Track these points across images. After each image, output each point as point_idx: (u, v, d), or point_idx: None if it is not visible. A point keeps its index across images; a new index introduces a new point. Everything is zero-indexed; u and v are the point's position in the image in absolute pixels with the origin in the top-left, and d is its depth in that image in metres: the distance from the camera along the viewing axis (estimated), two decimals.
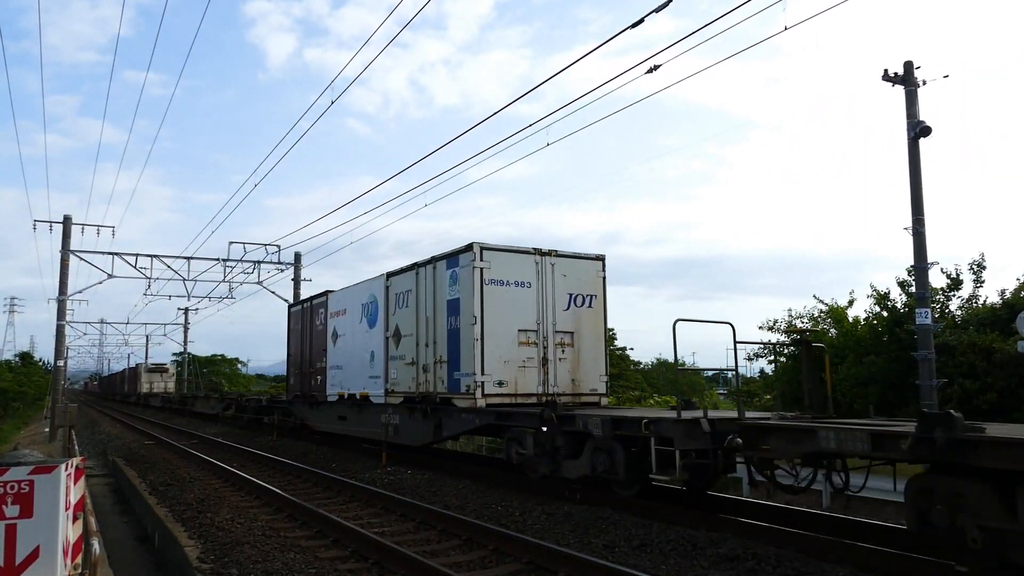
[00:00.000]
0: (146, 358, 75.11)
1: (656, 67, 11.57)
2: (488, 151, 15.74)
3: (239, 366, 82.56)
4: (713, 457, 9.44)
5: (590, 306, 14.70)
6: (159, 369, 63.98)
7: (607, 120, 14.17)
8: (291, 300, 36.42)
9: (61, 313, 31.88)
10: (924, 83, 16.06)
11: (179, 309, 61.44)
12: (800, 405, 20.28)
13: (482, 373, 13.56)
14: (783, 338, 22.15)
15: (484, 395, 13.54)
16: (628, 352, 46.55)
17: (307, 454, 19.55)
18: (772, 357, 22.88)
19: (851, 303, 21.42)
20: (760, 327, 22.55)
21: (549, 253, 14.39)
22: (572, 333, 14.46)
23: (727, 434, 9.27)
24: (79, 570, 5.75)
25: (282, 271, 36.55)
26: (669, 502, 10.82)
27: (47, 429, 32.60)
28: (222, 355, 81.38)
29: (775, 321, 22.35)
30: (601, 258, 14.96)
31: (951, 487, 6.94)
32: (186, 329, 62.06)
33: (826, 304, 21.82)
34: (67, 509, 5.30)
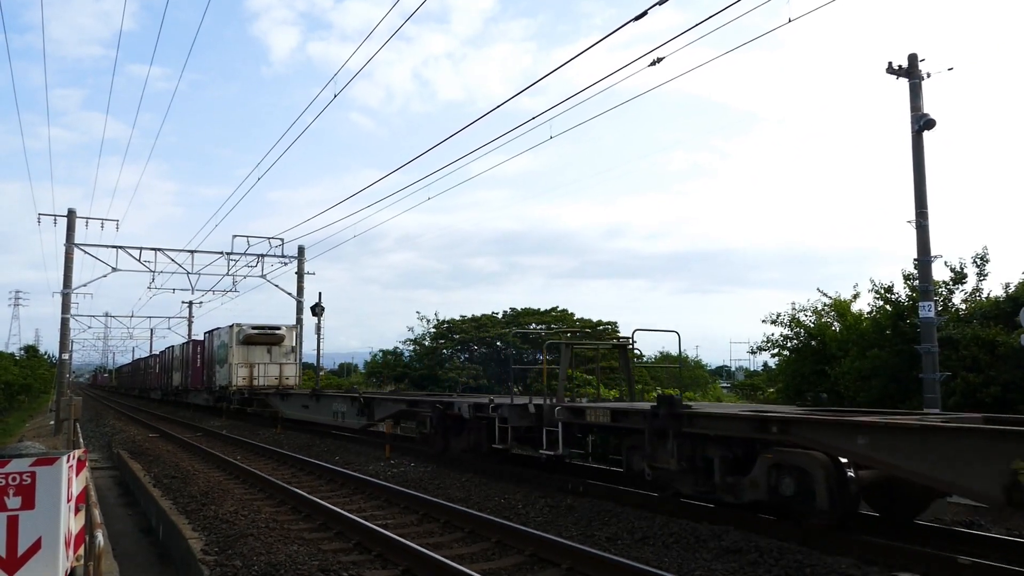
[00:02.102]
0: (150, 349, 74.71)
1: (659, 60, 11.52)
2: (491, 144, 15.72)
3: None
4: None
5: None
6: (269, 336, 32.86)
7: (610, 113, 14.15)
8: (295, 293, 36.42)
9: (66, 306, 31.97)
10: (928, 76, 15.99)
11: (183, 303, 61.24)
12: (803, 397, 20.25)
13: None
14: (787, 332, 22.10)
15: None
16: (630, 346, 46.52)
17: (310, 447, 19.60)
18: (776, 351, 22.83)
19: (856, 296, 21.35)
20: (763, 320, 22.48)
21: None
22: None
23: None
24: (82, 561, 5.77)
25: (285, 264, 36.57)
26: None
27: (52, 422, 32.73)
28: None
29: (778, 315, 22.28)
30: None
31: None
32: (190, 323, 62.24)
33: (830, 297, 21.76)
34: (69, 501, 5.31)
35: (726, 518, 9.18)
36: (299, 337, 34.29)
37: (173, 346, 47.66)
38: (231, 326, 32.13)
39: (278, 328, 33.20)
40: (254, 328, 32.50)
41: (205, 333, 37.75)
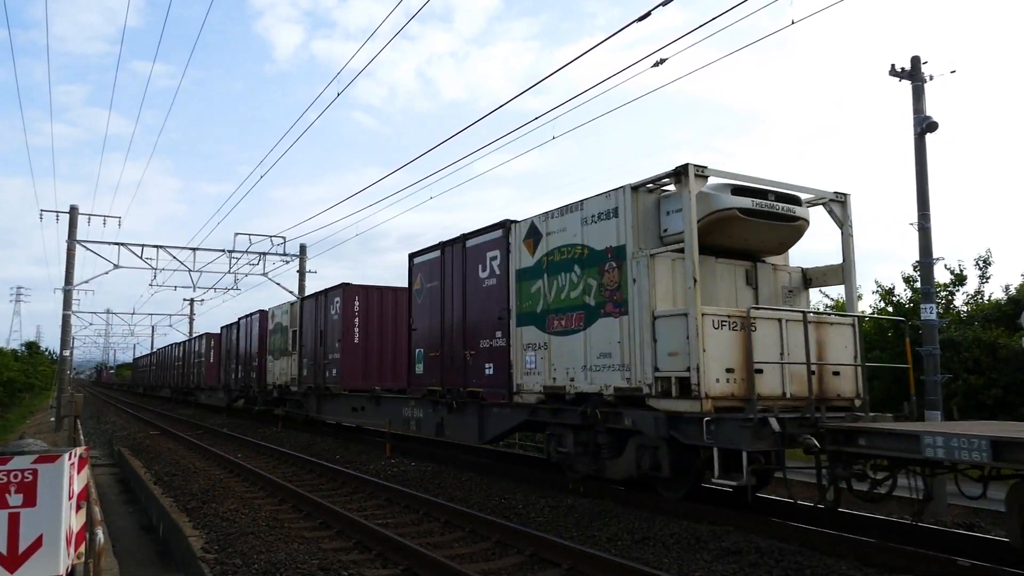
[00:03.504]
0: (152, 346, 74.74)
1: (662, 61, 11.52)
2: (494, 143, 15.73)
3: None
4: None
5: None
6: (771, 228, 10.22)
7: (613, 113, 14.18)
8: (296, 292, 36.49)
9: (67, 303, 32.00)
10: (931, 78, 15.98)
11: (184, 300, 61.08)
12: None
13: None
14: None
15: None
16: None
17: (311, 445, 19.62)
18: None
19: (859, 298, 21.37)
20: None
21: None
22: None
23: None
24: (83, 559, 5.78)
25: (287, 263, 36.59)
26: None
27: (53, 419, 32.78)
28: None
29: None
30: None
31: None
32: (191, 320, 62.28)
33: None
34: (70, 498, 5.33)
35: (727, 519, 9.18)
36: (850, 242, 11.28)
37: (264, 311, 27.79)
38: (638, 186, 10.37)
39: (796, 202, 10.71)
40: (743, 192, 10.08)
41: (413, 257, 15.76)
